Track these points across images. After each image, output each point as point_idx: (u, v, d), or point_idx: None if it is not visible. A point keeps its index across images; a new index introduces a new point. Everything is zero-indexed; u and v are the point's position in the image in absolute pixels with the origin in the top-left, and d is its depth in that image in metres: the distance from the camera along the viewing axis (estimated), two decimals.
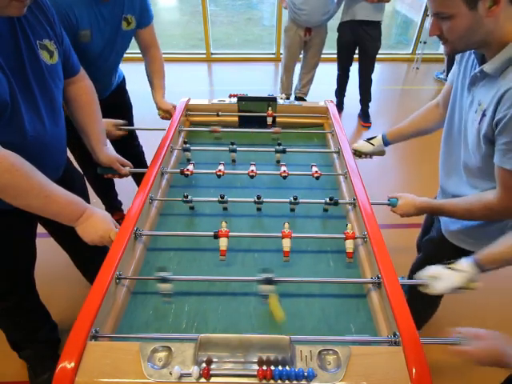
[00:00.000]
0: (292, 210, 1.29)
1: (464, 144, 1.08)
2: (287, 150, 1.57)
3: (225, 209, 1.30)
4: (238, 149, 1.51)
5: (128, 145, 1.96)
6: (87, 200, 1.55)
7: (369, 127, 3.62)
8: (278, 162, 1.56)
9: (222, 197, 1.24)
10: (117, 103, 1.83)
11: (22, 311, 1.39)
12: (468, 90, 1.03)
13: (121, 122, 1.63)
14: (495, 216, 1.05)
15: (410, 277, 1.49)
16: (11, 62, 0.92)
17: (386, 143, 1.51)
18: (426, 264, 1.41)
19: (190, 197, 1.25)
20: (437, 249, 1.36)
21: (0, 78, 0.87)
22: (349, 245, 1.11)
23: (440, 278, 0.96)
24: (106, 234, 1.04)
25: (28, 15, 0.97)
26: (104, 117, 1.37)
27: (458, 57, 1.11)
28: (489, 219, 1.10)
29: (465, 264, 0.95)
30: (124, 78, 1.92)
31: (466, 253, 1.22)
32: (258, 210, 1.29)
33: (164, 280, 0.96)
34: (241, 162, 1.53)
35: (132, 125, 1.96)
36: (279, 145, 1.52)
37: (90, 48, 1.46)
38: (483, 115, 0.93)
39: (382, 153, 1.55)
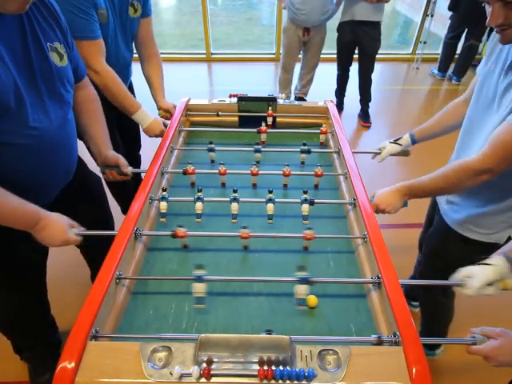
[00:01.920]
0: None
1: (483, 129, 1.08)
2: (286, 150, 1.57)
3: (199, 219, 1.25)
4: (262, 149, 1.49)
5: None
6: (105, 201, 1.55)
7: (369, 127, 3.62)
8: (303, 163, 1.53)
9: (199, 198, 1.22)
10: None
11: (29, 316, 1.39)
12: (505, 74, 1.01)
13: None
14: (469, 179, 1.04)
15: (421, 275, 1.49)
16: (18, 59, 0.93)
17: (414, 142, 1.47)
18: (435, 258, 1.42)
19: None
20: (442, 240, 1.37)
21: (1, 75, 0.87)
22: None
23: (473, 276, 0.93)
24: (63, 243, 1.04)
25: (40, 19, 0.99)
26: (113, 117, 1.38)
27: (488, 49, 1.11)
28: (459, 185, 1.08)
29: (496, 258, 0.93)
30: (131, 81, 1.93)
31: (472, 243, 1.23)
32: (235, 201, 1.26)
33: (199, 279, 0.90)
34: (239, 162, 1.53)
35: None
36: (304, 145, 1.50)
37: (107, 30, 1.48)
38: None
39: (406, 153, 1.53)
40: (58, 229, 1.03)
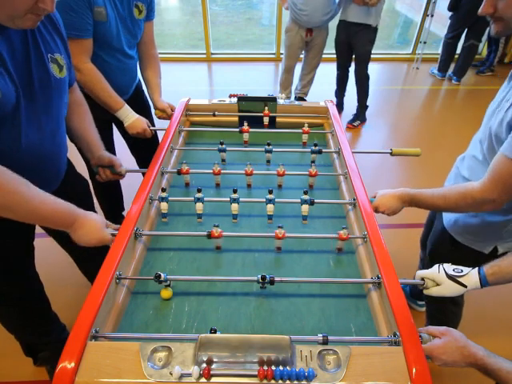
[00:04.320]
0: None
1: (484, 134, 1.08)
2: (286, 150, 1.57)
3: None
4: (274, 150, 1.49)
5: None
6: (90, 206, 1.54)
7: (351, 128, 3.51)
8: (313, 162, 1.53)
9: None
10: (138, 104, 1.84)
11: (32, 314, 1.39)
12: (508, 81, 1.03)
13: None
14: (468, 206, 1.04)
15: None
16: (20, 72, 0.94)
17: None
18: (433, 259, 1.42)
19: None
20: (438, 241, 1.38)
21: (8, 84, 0.88)
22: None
23: (440, 283, 0.93)
24: (100, 242, 1.04)
25: (42, 29, 1.00)
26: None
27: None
28: (458, 208, 1.08)
29: (470, 278, 0.90)
30: (139, 80, 1.93)
31: (460, 247, 1.23)
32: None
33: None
34: (234, 162, 1.53)
35: (154, 124, 1.96)
36: (315, 145, 1.50)
37: (108, 29, 1.48)
38: None
39: (417, 152, 1.51)
40: (94, 228, 1.03)
